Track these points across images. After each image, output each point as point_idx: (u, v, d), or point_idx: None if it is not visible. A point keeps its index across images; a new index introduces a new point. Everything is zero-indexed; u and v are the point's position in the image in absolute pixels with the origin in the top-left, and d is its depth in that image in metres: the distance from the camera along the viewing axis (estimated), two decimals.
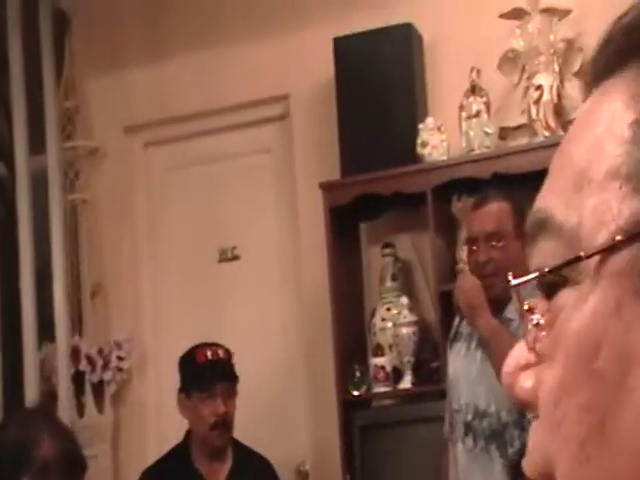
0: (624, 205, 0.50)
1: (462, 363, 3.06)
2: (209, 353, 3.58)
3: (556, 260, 0.51)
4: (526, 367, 0.54)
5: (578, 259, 0.51)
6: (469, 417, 3.00)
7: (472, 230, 3.13)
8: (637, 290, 0.49)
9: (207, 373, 3.53)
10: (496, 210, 3.08)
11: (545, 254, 0.53)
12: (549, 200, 0.53)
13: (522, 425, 2.88)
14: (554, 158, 0.56)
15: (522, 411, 2.83)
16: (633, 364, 0.49)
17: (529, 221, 0.54)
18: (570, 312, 0.51)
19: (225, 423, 3.50)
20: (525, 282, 0.54)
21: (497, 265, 3.02)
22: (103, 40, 4.66)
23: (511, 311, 2.99)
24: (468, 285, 3.04)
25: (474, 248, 3.09)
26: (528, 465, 0.53)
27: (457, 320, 3.17)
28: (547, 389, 0.52)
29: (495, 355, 2.92)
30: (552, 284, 0.52)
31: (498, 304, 3.00)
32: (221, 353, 3.58)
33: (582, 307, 0.51)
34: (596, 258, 0.50)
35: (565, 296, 0.51)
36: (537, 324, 0.53)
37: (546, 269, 0.51)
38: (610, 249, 0.50)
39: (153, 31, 4.61)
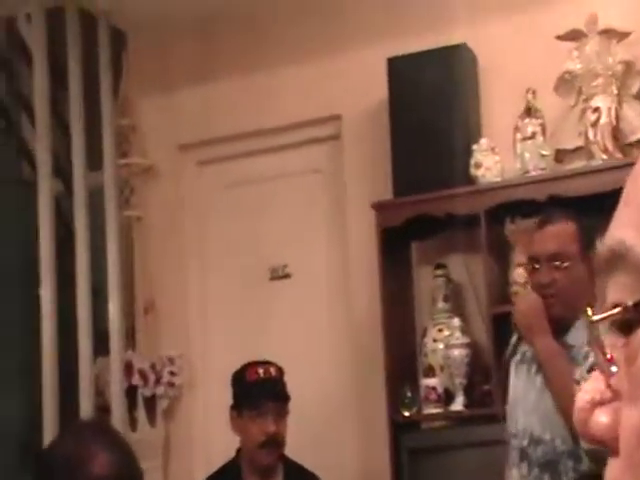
0: None
1: (523, 386, 2.91)
2: (261, 371, 3.51)
3: (635, 295, 0.49)
4: (601, 403, 0.51)
5: None
6: (525, 443, 2.86)
7: (535, 250, 2.96)
8: None
9: (258, 392, 3.46)
10: (561, 230, 2.93)
11: (624, 288, 0.50)
12: (626, 232, 0.50)
13: (577, 456, 2.75)
14: (627, 186, 0.52)
15: (577, 441, 2.70)
16: None
17: (603, 254, 0.51)
18: None
19: (275, 442, 3.42)
20: (606, 318, 0.50)
21: (560, 287, 2.87)
22: (157, 59, 4.62)
23: (573, 337, 2.86)
24: (527, 305, 2.90)
25: (536, 267, 2.93)
26: None
27: (516, 339, 3.00)
28: (630, 428, 0.49)
29: (551, 379, 2.81)
30: (631, 320, 0.49)
31: (559, 327, 2.86)
32: (273, 371, 3.51)
33: None
34: None
35: None
36: (610, 360, 0.51)
37: (630, 303, 0.48)
38: None
39: (206, 50, 4.56)
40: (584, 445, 2.69)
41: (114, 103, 4.54)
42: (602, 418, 0.51)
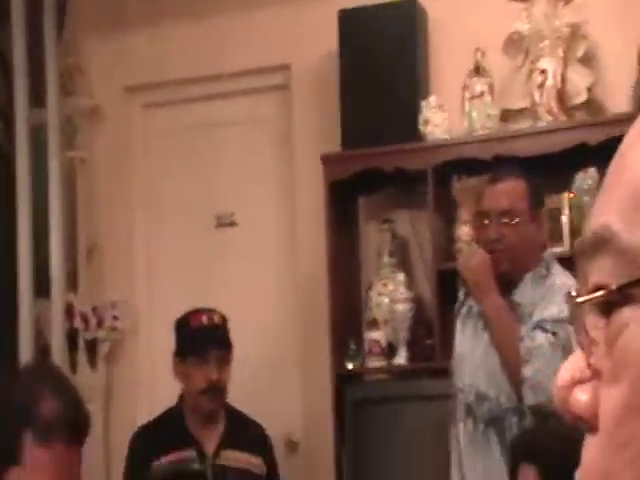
0: None
1: (470, 342, 2.94)
2: (204, 318, 3.50)
3: (618, 278, 0.50)
4: (580, 381, 0.53)
5: None
6: (471, 398, 2.89)
7: (485, 205, 2.98)
8: None
9: (201, 338, 3.45)
10: (512, 188, 2.95)
11: (607, 272, 0.51)
12: (610, 218, 0.51)
13: (521, 412, 2.80)
14: (610, 169, 0.52)
15: (521, 398, 2.77)
16: None
17: (587, 238, 0.52)
18: (636, 331, 0.50)
19: (217, 389, 3.43)
20: (590, 300, 0.52)
21: (508, 242, 2.89)
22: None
23: (520, 295, 2.89)
24: (475, 261, 2.92)
25: (485, 222, 2.96)
26: None
27: (463, 294, 3.02)
28: (610, 408, 0.50)
29: (496, 336, 2.85)
30: (613, 302, 0.51)
31: (506, 283, 2.89)
32: (217, 319, 3.50)
33: None
34: None
35: (628, 314, 0.50)
36: (592, 339, 0.52)
37: (614, 286, 0.50)
38: None
39: None
40: (527, 402, 2.76)
41: (58, 41, 4.43)
42: (582, 396, 0.52)
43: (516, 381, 2.78)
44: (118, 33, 4.51)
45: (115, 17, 4.52)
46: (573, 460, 1.92)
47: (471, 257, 2.98)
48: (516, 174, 3.00)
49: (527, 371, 2.76)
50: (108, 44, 4.51)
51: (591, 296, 0.51)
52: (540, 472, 2.08)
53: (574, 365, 0.53)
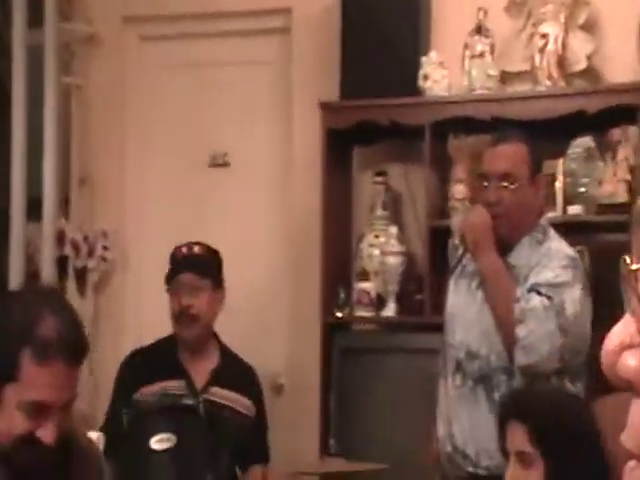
0: None
1: (463, 300, 2.97)
2: (184, 250, 3.52)
3: None
4: (630, 346, 0.52)
5: None
6: (461, 355, 2.94)
7: (486, 167, 2.98)
8: None
9: (176, 267, 3.50)
10: (513, 151, 2.95)
11: None
12: None
13: (510, 372, 2.86)
14: None
15: (512, 358, 2.84)
16: None
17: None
18: None
19: (189, 315, 3.44)
20: None
21: (507, 207, 2.91)
22: None
23: (515, 257, 2.92)
24: (477, 220, 2.92)
25: (485, 185, 2.96)
26: (630, 442, 0.54)
27: (461, 253, 3.04)
28: None
29: (492, 295, 2.87)
30: None
31: (503, 246, 2.92)
32: (197, 249, 3.51)
33: None
34: None
35: None
36: None
37: None
38: None
39: None
40: (519, 362, 2.82)
41: None
42: (631, 361, 0.53)
43: (509, 341, 2.83)
44: None
45: None
46: (563, 423, 2.02)
47: (473, 215, 2.98)
48: (518, 137, 3.00)
49: (520, 331, 2.80)
50: None
51: None
52: (530, 431, 2.16)
53: (624, 330, 0.53)
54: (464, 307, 2.96)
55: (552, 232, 2.99)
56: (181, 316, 3.45)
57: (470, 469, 2.92)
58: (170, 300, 3.49)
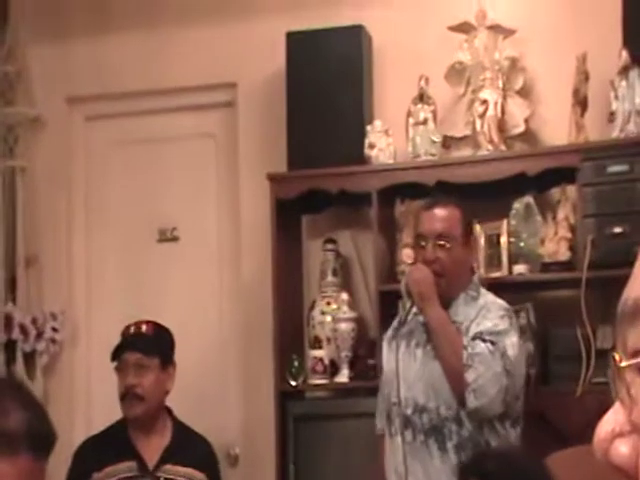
0: None
1: (402, 360, 3.22)
2: (132, 328, 3.63)
3: None
4: (620, 434, 0.59)
5: None
6: (409, 411, 3.19)
7: (423, 228, 3.31)
8: None
9: (121, 345, 3.60)
10: (447, 213, 3.29)
11: None
12: None
13: (460, 420, 3.13)
14: None
15: (462, 403, 3.07)
16: None
17: (628, 305, 0.60)
18: None
19: (134, 395, 3.53)
20: (632, 365, 0.59)
21: (443, 264, 3.23)
22: (48, 9, 4.65)
23: (453, 313, 3.23)
24: (421, 275, 3.21)
25: (422, 244, 3.27)
26: None
27: (407, 309, 3.30)
28: None
29: (442, 344, 3.16)
30: None
31: (442, 303, 3.20)
32: (144, 328, 3.61)
33: None
34: None
35: None
36: (633, 397, 0.59)
37: None
38: None
39: (99, 3, 4.62)
40: (470, 405, 3.08)
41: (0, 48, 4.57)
42: (622, 448, 0.58)
43: (459, 387, 3.11)
44: (61, 43, 4.63)
45: (58, 27, 4.64)
46: None
47: (416, 271, 3.27)
48: (452, 201, 3.35)
49: (469, 376, 3.10)
50: (50, 54, 4.62)
51: (633, 361, 0.59)
52: None
53: (614, 419, 0.59)
54: (405, 365, 3.23)
55: (483, 289, 3.33)
56: (126, 396, 3.55)
57: None
58: (118, 379, 3.60)
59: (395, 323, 3.36)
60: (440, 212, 3.29)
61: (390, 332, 3.36)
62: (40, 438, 1.81)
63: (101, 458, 3.55)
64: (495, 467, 2.37)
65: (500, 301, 3.28)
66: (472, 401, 3.09)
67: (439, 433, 3.14)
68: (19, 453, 1.77)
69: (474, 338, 3.14)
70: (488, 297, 3.27)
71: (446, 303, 3.22)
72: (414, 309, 3.26)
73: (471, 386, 3.09)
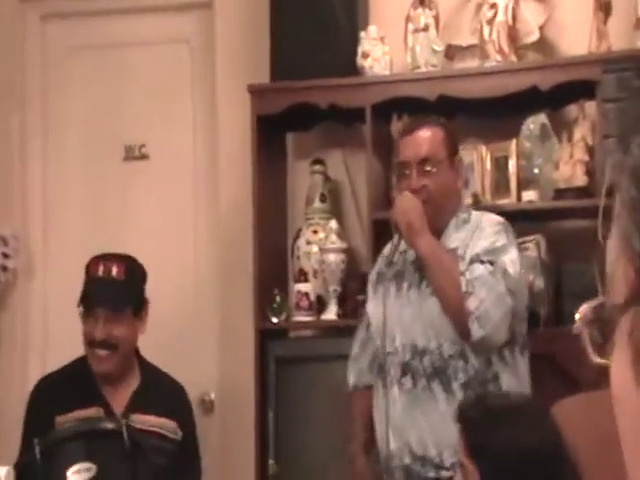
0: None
1: (393, 305, 3.29)
2: (101, 269, 3.61)
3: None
4: None
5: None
6: (407, 357, 3.27)
7: (404, 154, 3.36)
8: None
9: (91, 292, 3.60)
10: (429, 135, 3.35)
11: None
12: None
13: (465, 356, 3.21)
14: None
15: (466, 336, 3.14)
16: None
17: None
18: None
19: (108, 345, 3.57)
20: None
21: (430, 192, 3.30)
22: None
23: (445, 240, 3.30)
24: (408, 205, 3.27)
25: (406, 172, 3.33)
26: None
27: (382, 261, 3.39)
28: None
29: (437, 274, 3.22)
30: None
31: (432, 232, 3.27)
32: (115, 272, 3.59)
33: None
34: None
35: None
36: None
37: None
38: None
39: None
40: (474, 335, 3.16)
41: None
42: None
43: (462, 318, 3.18)
44: None
45: None
46: (498, 439, 2.24)
47: (402, 201, 3.32)
48: (434, 121, 3.40)
49: (471, 304, 3.17)
50: None
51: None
52: (465, 443, 2.39)
53: None
54: (397, 311, 3.30)
55: (473, 210, 3.43)
56: (95, 345, 3.57)
57: (432, 474, 3.21)
58: (83, 326, 3.61)
59: (381, 264, 3.42)
60: (422, 134, 3.34)
61: (374, 276, 3.43)
62: None
63: (62, 400, 3.58)
64: (473, 420, 2.42)
65: (493, 215, 3.38)
66: (477, 330, 3.16)
67: (443, 374, 3.22)
68: None
69: (471, 262, 3.22)
70: (480, 215, 3.36)
71: (437, 232, 3.29)
72: (402, 246, 3.32)
73: (474, 314, 3.16)
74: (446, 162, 3.33)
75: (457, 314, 3.18)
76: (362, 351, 3.49)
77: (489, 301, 3.17)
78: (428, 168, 3.30)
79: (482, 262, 3.21)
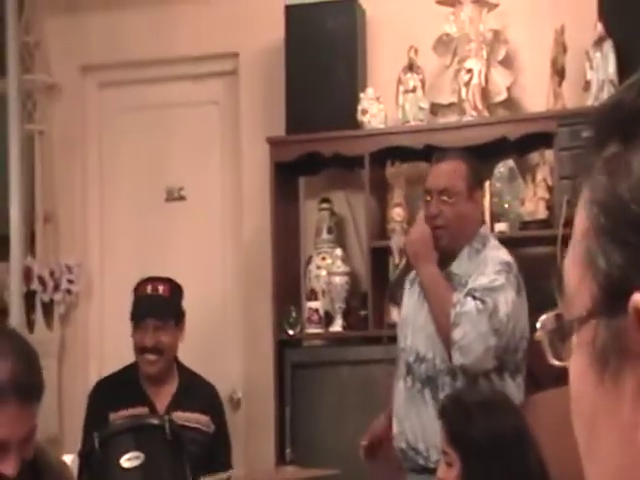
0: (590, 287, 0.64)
1: (414, 306, 3.12)
2: (149, 288, 3.60)
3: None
4: None
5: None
6: (411, 359, 3.09)
7: (428, 182, 3.16)
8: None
9: (140, 307, 3.59)
10: (451, 168, 3.12)
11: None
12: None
13: (454, 373, 3.01)
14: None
15: (450, 362, 3.01)
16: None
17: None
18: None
19: (155, 350, 3.55)
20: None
21: (445, 219, 3.07)
22: None
23: (457, 266, 3.08)
24: (417, 234, 3.09)
25: (428, 199, 3.13)
26: None
27: (404, 264, 3.19)
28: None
29: (432, 303, 3.03)
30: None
31: (446, 256, 3.07)
32: (161, 289, 3.59)
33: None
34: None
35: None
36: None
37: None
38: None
39: None
40: (455, 363, 2.96)
41: (19, 20, 4.54)
42: None
43: (447, 343, 2.98)
44: (75, 15, 4.62)
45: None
46: (476, 427, 2.17)
47: (412, 231, 3.17)
48: (458, 156, 3.19)
49: (456, 334, 2.95)
50: (66, 25, 4.61)
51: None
52: (447, 433, 2.32)
53: None
54: (415, 313, 3.11)
55: (492, 241, 3.15)
56: (145, 352, 3.55)
57: (422, 462, 3.07)
58: (134, 335, 3.59)
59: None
60: (445, 167, 3.12)
61: (412, 275, 3.18)
62: (25, 386, 1.81)
63: (115, 399, 3.57)
64: (452, 410, 2.36)
65: (502, 255, 3.07)
66: (458, 358, 2.96)
67: (433, 384, 3.03)
68: (6, 400, 1.78)
69: (466, 295, 2.99)
70: (491, 252, 3.08)
71: (452, 255, 3.08)
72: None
73: (457, 344, 2.95)
74: (464, 194, 3.07)
75: (445, 339, 2.99)
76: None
77: (472, 336, 2.93)
78: (445, 198, 3.07)
79: (475, 298, 2.96)
